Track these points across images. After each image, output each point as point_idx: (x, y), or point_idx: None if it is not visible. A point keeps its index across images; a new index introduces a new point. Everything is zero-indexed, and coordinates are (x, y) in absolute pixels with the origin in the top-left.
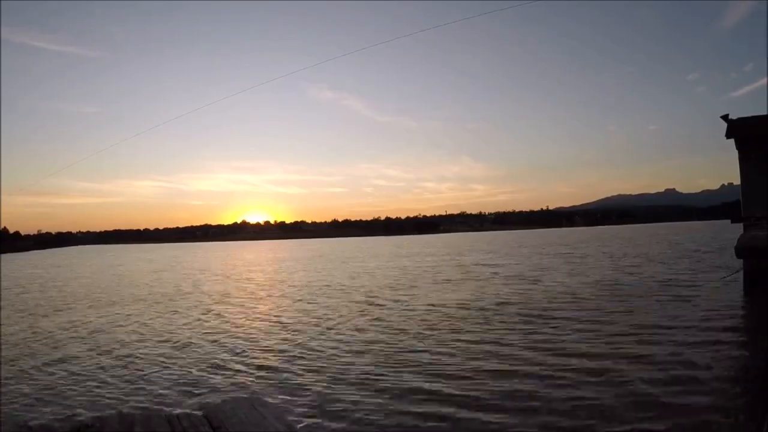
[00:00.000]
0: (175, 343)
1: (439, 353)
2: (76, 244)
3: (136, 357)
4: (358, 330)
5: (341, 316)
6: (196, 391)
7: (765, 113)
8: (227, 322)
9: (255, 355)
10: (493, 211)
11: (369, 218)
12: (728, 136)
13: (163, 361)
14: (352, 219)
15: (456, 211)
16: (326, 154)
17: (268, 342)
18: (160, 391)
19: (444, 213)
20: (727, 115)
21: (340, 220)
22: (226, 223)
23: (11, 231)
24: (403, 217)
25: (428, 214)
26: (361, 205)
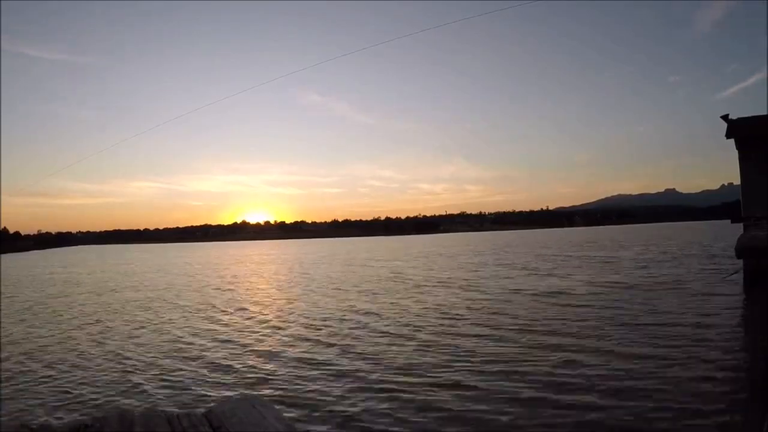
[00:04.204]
0: (173, 343)
1: (433, 354)
2: (76, 244)
3: (136, 357)
4: (354, 330)
5: (334, 317)
6: (196, 392)
7: (763, 113)
8: (223, 322)
9: (254, 355)
10: (492, 211)
11: (367, 218)
12: (728, 136)
13: (162, 362)
14: (352, 219)
15: (454, 212)
16: (322, 155)
17: (265, 342)
18: (160, 391)
19: (444, 213)
20: (727, 115)
21: (339, 220)
22: (225, 224)
23: (11, 231)
24: (401, 217)
25: (426, 215)
26: (358, 205)
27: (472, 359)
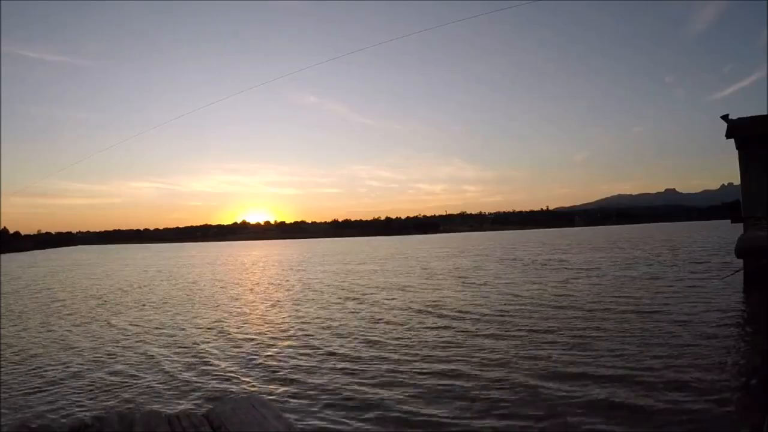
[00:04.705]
0: (173, 343)
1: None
2: (76, 245)
3: (136, 357)
4: (354, 330)
5: (335, 315)
6: (196, 391)
7: (762, 113)
8: (223, 322)
9: (254, 355)
10: (492, 211)
11: (368, 218)
12: (728, 136)
13: (162, 362)
14: (352, 219)
15: (454, 212)
16: (321, 155)
17: (265, 342)
18: (160, 391)
19: (444, 213)
20: (727, 115)
21: (339, 220)
22: (225, 224)
23: (11, 231)
24: (401, 217)
25: (426, 215)
26: (358, 205)
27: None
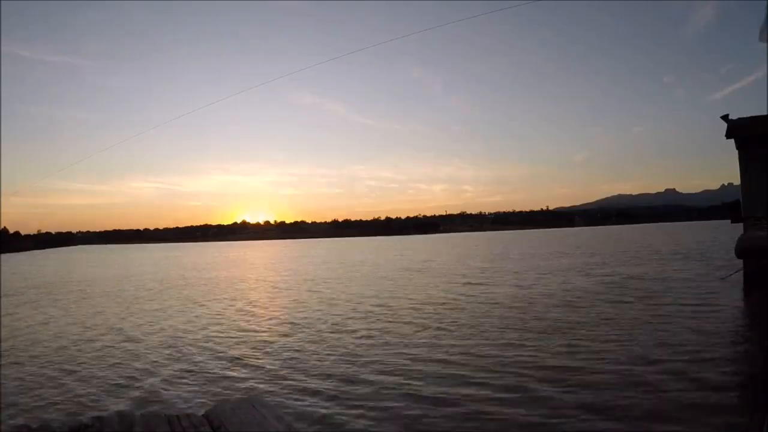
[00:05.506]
0: (173, 343)
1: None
2: (76, 244)
3: (135, 357)
4: (353, 329)
5: (330, 314)
6: (196, 392)
7: (762, 114)
8: (224, 322)
9: (254, 355)
10: (491, 211)
11: (368, 218)
12: (728, 136)
13: (162, 362)
14: (352, 219)
15: (454, 212)
16: (321, 155)
17: (266, 342)
18: (160, 392)
19: (444, 213)
20: (727, 115)
21: (339, 220)
22: (225, 224)
23: (11, 231)
24: (401, 217)
25: (426, 214)
26: (358, 205)
27: None
